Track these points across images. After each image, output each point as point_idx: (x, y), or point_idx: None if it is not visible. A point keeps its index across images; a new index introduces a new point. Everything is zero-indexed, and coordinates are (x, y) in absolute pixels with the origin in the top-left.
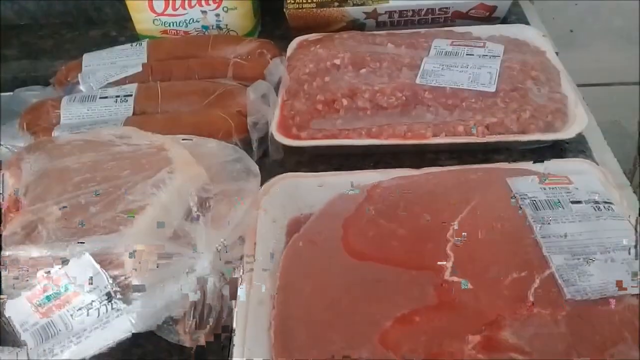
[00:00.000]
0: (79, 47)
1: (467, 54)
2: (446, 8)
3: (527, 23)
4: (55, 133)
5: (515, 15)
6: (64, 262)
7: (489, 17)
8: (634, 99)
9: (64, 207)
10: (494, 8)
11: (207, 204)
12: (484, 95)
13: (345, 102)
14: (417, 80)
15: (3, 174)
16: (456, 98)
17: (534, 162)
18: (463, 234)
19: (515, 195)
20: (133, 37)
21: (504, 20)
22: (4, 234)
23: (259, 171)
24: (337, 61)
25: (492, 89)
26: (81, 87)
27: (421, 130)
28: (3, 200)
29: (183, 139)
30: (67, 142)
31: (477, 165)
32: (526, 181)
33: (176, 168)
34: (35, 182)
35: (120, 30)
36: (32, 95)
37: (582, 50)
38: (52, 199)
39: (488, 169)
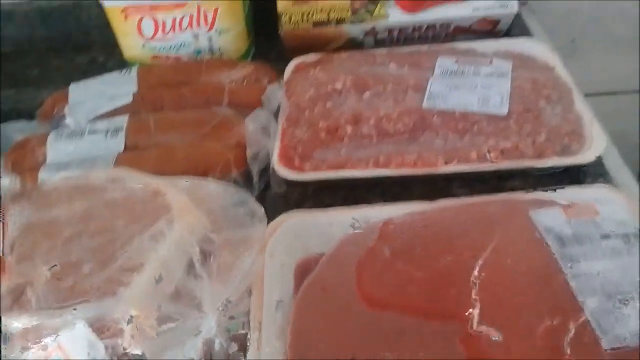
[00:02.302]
0: (65, 75)
1: (473, 73)
2: (448, 24)
3: (529, 34)
4: (41, 174)
5: (517, 27)
6: (57, 332)
7: (492, 30)
8: (637, 107)
9: (54, 266)
10: (497, 22)
11: (211, 255)
12: (495, 117)
13: (349, 129)
14: (424, 104)
15: None
16: (466, 121)
17: (553, 191)
18: (485, 276)
19: (540, 231)
20: (122, 63)
21: (507, 32)
22: None
23: (265, 214)
24: (339, 85)
25: (504, 111)
26: (68, 121)
27: (432, 159)
28: None
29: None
30: (54, 188)
31: (494, 195)
32: (550, 214)
33: (175, 216)
34: (21, 237)
35: (108, 55)
36: (16, 129)
37: (584, 59)
38: (40, 258)
39: (507, 201)
